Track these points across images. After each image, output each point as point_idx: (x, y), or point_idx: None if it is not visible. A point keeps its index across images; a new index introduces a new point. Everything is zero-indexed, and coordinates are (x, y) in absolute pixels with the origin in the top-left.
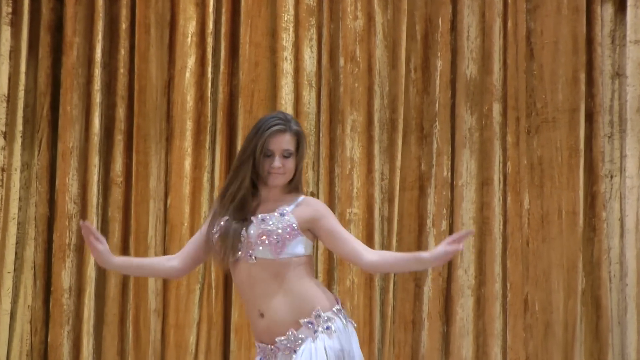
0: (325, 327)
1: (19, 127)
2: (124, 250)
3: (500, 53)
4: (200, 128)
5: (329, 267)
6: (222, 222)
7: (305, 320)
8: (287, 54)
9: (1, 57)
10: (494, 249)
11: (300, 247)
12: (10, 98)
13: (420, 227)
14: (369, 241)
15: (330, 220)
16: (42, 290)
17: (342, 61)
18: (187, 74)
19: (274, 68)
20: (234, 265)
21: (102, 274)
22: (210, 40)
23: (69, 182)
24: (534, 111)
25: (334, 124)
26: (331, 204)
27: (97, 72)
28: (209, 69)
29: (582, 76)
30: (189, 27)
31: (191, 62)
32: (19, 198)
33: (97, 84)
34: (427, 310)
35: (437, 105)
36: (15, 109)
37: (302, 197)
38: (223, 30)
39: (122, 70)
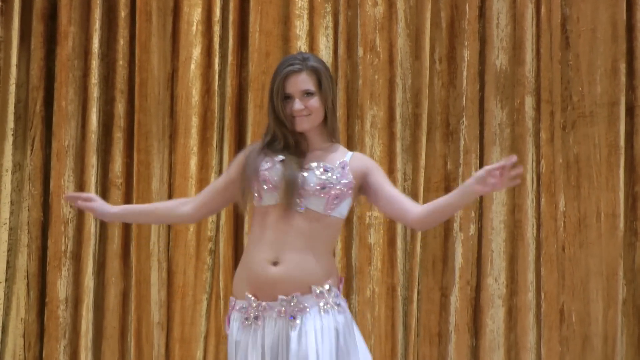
0: (335, 302)
1: (10, 124)
2: (125, 258)
3: (532, 42)
4: (206, 124)
5: (347, 275)
6: (277, 160)
7: (316, 287)
8: (301, 43)
9: None
10: (527, 255)
11: (346, 208)
12: (0, 93)
13: (446, 231)
14: (390, 246)
15: (381, 176)
16: (36, 302)
17: (360, 51)
18: (192, 66)
19: None
20: (268, 207)
21: (100, 284)
22: (217, 29)
23: (65, 184)
24: (569, 105)
25: (352, 119)
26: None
27: (95, 64)
28: (216, 60)
29: (622, 66)
30: (193, 14)
31: (196, 52)
32: (11, 202)
33: (95, 77)
34: (454, 322)
35: (464, 99)
36: (6, 105)
37: (351, 152)
38: (231, 17)
39: (121, 62)
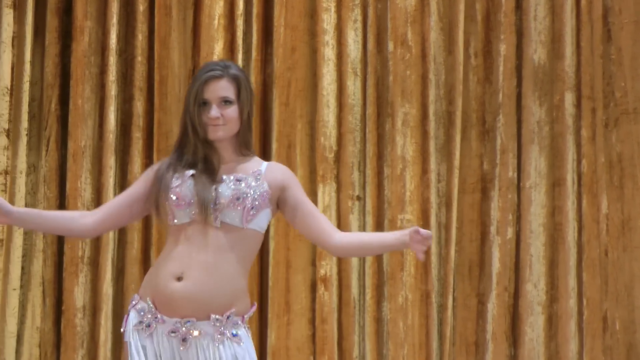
0: (232, 332)
1: (24, 124)
2: (145, 263)
3: (572, 35)
4: None
5: (378, 281)
6: (187, 175)
7: (215, 316)
8: (329, 37)
9: (3, 44)
10: (568, 259)
11: (264, 220)
12: (14, 91)
13: (482, 235)
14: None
15: (299, 191)
16: (52, 310)
17: (391, 46)
18: None
19: (313, 54)
20: (181, 226)
21: (119, 291)
22: (240, 23)
23: (81, 186)
24: (612, 101)
25: (382, 117)
26: (380, 210)
27: (112, 60)
28: (239, 56)
29: None
30: (215, 7)
31: (218, 48)
32: (25, 205)
33: (112, 74)
34: (491, 330)
35: (500, 95)
36: (20, 104)
37: (266, 163)
38: (255, 11)
39: (140, 58)
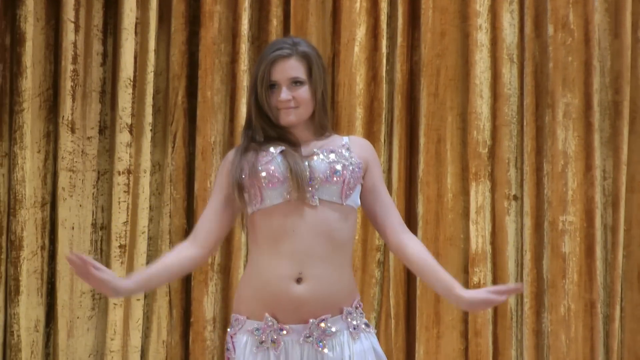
0: (364, 322)
1: (148, 118)
2: None
3: None
4: (373, 116)
5: (538, 290)
6: (274, 152)
7: (348, 308)
8: (482, 21)
9: (125, 31)
10: None
11: (357, 196)
12: (137, 83)
13: None
14: (588, 256)
15: (379, 174)
16: (179, 322)
17: (551, 29)
18: (356, 49)
19: (465, 39)
20: (271, 209)
21: None
22: (384, 6)
23: (211, 187)
24: None
25: (541, 108)
26: (539, 210)
27: (244, 48)
28: (384, 42)
29: None
30: None
31: (360, 33)
32: (150, 207)
33: (244, 64)
34: None
35: None
36: (143, 96)
37: (347, 137)
38: None
39: None
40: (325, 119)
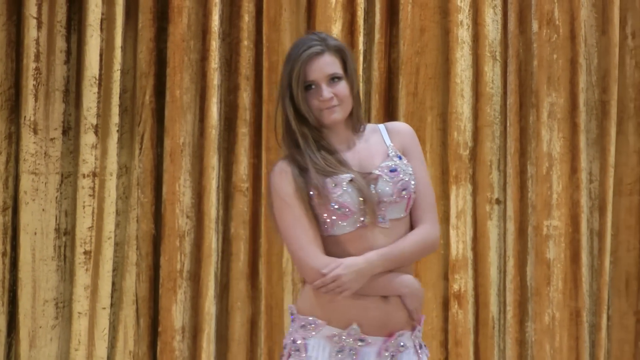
0: (423, 342)
1: (115, 118)
2: (252, 278)
3: None
4: None
5: (521, 298)
6: (343, 180)
7: (418, 326)
8: (463, 16)
9: (90, 27)
10: None
11: None
12: (103, 81)
13: None
14: (574, 262)
15: (418, 159)
16: (147, 331)
17: (535, 25)
18: None
19: (445, 36)
20: (343, 236)
21: (224, 310)
22: (361, 1)
23: (180, 190)
24: None
25: (525, 108)
26: (523, 215)
27: (214, 45)
28: (360, 39)
29: None
30: None
31: (336, 29)
32: (116, 211)
33: (215, 61)
34: None
35: None
36: (109, 96)
37: (383, 126)
38: None
39: (246, 43)
40: (361, 112)
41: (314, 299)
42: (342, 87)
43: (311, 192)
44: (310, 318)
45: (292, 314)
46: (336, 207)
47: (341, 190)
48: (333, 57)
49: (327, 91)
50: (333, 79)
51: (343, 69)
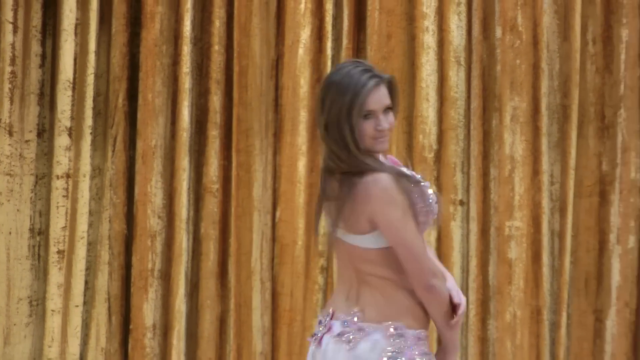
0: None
1: (88, 121)
2: (222, 277)
3: None
4: None
5: (484, 296)
6: (428, 190)
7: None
8: (429, 23)
9: (64, 32)
10: None
11: None
12: (77, 85)
13: (601, 244)
14: (535, 262)
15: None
16: (118, 329)
17: (499, 32)
18: (301, 51)
19: (411, 41)
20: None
21: (194, 308)
22: (329, 7)
23: (152, 191)
24: None
25: (489, 112)
26: (485, 216)
27: (186, 50)
28: (328, 44)
29: None
30: None
31: (305, 35)
32: (89, 212)
33: (186, 65)
34: (610, 351)
35: (622, 87)
36: (83, 99)
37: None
38: None
39: (217, 47)
40: None
41: (405, 308)
42: (391, 117)
43: (419, 203)
44: (420, 332)
45: (400, 333)
46: (432, 216)
47: (436, 199)
48: (386, 89)
49: (385, 121)
50: (386, 109)
51: (392, 100)
